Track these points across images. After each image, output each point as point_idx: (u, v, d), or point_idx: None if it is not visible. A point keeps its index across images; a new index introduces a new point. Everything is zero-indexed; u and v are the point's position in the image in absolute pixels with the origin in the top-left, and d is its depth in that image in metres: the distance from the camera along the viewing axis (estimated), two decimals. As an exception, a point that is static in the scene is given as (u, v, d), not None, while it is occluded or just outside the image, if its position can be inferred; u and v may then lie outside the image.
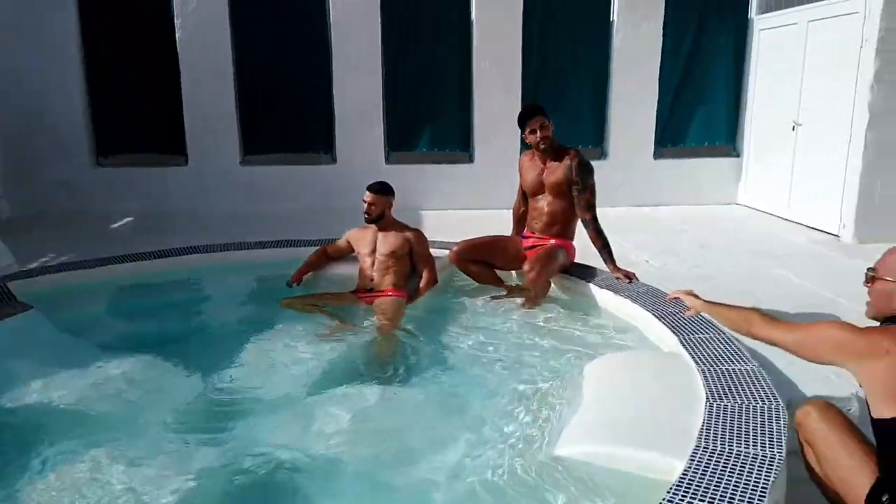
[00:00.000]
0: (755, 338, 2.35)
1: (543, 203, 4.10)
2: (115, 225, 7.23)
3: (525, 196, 4.25)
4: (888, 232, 5.54)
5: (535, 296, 3.90)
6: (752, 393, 2.43)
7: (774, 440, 2.12)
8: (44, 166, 7.59)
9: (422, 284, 4.03)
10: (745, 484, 1.89)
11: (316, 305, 4.02)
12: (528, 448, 2.48)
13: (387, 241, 4.03)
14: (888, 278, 2.07)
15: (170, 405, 3.11)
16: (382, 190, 4.01)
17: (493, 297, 4.11)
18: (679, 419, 2.34)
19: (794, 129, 6.98)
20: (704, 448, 2.09)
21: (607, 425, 2.41)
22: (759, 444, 2.09)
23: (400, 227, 4.10)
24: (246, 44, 7.58)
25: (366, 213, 4.02)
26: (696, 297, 2.76)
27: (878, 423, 1.89)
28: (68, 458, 2.64)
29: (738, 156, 8.07)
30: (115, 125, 7.73)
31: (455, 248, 4.15)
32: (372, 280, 4.02)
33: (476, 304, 4.08)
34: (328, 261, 4.37)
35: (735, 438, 2.13)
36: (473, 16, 7.58)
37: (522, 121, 3.98)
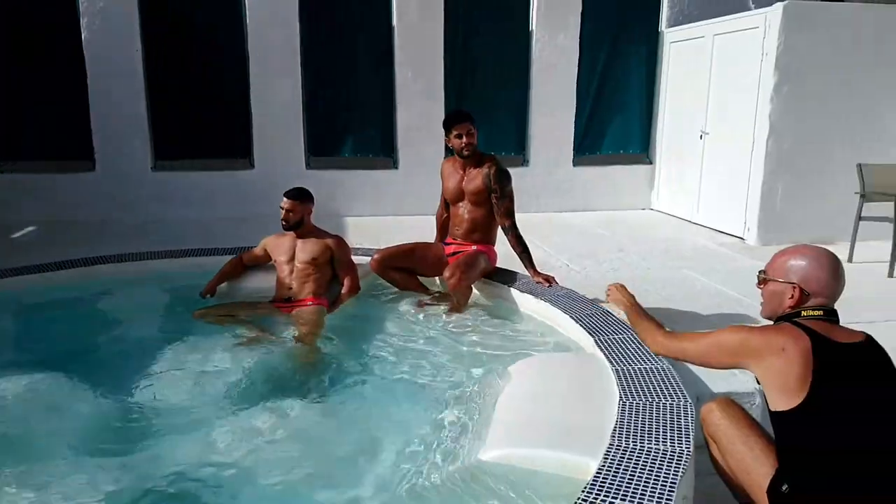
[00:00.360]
0: (662, 352, 2.51)
1: (464, 210, 4.14)
2: (17, 235, 6.81)
3: (447, 203, 4.27)
4: (789, 234, 5.88)
5: (457, 302, 3.93)
6: (662, 391, 2.52)
7: (683, 436, 2.20)
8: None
9: (343, 292, 3.98)
10: (655, 479, 1.96)
11: (231, 316, 3.90)
12: (450, 454, 2.48)
13: (306, 249, 3.95)
14: (778, 279, 2.19)
15: (75, 424, 2.93)
16: (300, 196, 3.94)
17: (418, 305, 4.11)
18: (594, 418, 2.40)
19: (701, 137, 7.32)
20: (618, 446, 2.15)
21: (526, 427, 2.44)
22: (668, 440, 2.17)
23: (320, 233, 4.03)
24: (157, 43, 7.30)
25: (283, 219, 3.93)
26: (629, 294, 2.88)
27: (774, 416, 2.00)
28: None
29: (650, 163, 8.40)
30: (18, 128, 7.28)
31: (376, 256, 4.12)
32: (290, 289, 3.93)
33: (399, 311, 4.05)
34: (243, 270, 4.26)
35: (646, 435, 2.20)
36: (394, 21, 7.58)
37: (449, 124, 4.01)
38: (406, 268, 4.17)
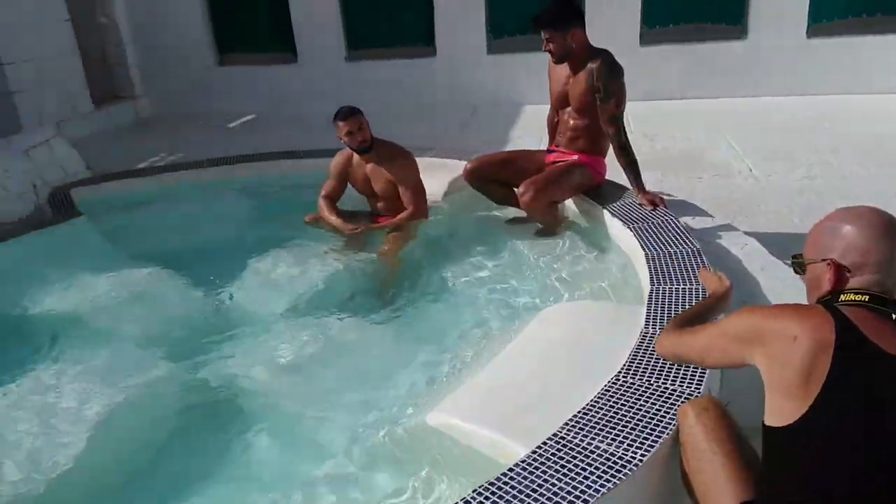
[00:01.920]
0: (661, 352, 2.00)
1: (568, 116, 3.59)
2: (233, 124, 7.68)
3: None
4: None
5: (543, 223, 3.51)
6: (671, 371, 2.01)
7: (652, 435, 1.75)
8: (174, 67, 8.16)
9: (402, 215, 3.65)
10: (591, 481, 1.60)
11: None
12: (415, 407, 2.32)
13: (378, 176, 3.66)
14: (812, 259, 1.56)
15: (159, 315, 3.31)
16: (358, 111, 3.57)
17: (511, 222, 3.77)
18: (569, 394, 2.01)
19: None
20: (556, 439, 1.78)
21: (492, 393, 2.15)
22: (632, 440, 1.74)
23: (384, 151, 3.65)
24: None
25: (359, 142, 3.54)
26: (723, 288, 2.17)
27: (765, 433, 1.47)
28: (61, 359, 2.96)
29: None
30: (232, 25, 8.01)
31: (469, 165, 3.80)
32: (377, 207, 3.83)
33: (488, 228, 3.76)
34: (340, 195, 3.95)
35: (604, 432, 1.79)
36: None
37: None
38: (503, 179, 3.80)
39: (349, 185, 3.89)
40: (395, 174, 3.62)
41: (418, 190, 3.67)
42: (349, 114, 3.52)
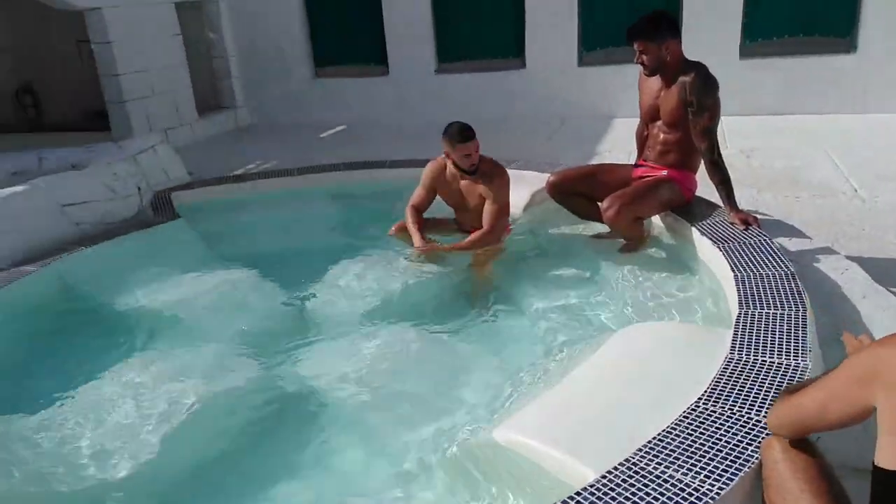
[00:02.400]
0: (774, 423, 1.62)
1: (658, 130, 3.48)
2: (324, 134, 7.92)
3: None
4: None
5: (628, 239, 3.41)
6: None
7: (732, 468, 1.65)
8: (272, 79, 8.51)
9: (474, 236, 3.56)
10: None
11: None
12: (483, 422, 2.29)
13: (473, 193, 3.59)
14: None
15: (249, 319, 3.43)
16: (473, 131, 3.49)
17: (595, 238, 3.68)
18: (644, 418, 1.93)
19: None
20: (628, 465, 1.71)
21: (562, 412, 2.10)
22: (710, 472, 1.65)
23: (488, 167, 3.56)
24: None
25: (471, 164, 3.47)
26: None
27: (877, 475, 1.33)
28: (150, 352, 3.15)
29: None
30: (327, 39, 8.29)
31: (551, 178, 3.74)
32: (465, 218, 3.80)
33: (571, 244, 3.70)
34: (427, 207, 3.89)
35: (679, 461, 1.70)
36: None
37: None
38: (587, 193, 3.71)
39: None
40: (489, 191, 3.53)
41: (503, 212, 3.58)
42: (473, 136, 3.44)
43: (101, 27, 6.91)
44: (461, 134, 3.42)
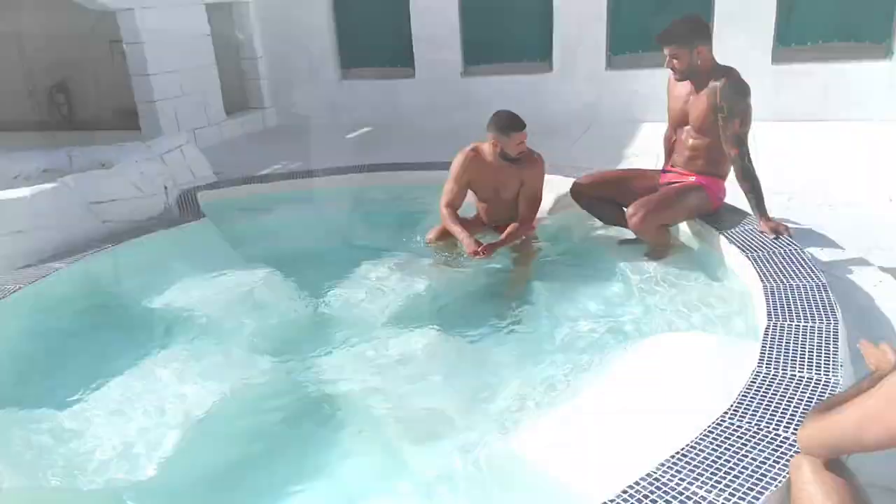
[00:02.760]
0: (804, 441, 1.52)
1: (687, 136, 3.42)
2: (350, 136, 7.93)
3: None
4: None
5: (654, 246, 3.35)
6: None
7: (758, 486, 1.60)
8: (300, 80, 8.55)
9: (512, 228, 3.56)
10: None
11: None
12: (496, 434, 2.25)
13: (509, 186, 3.57)
14: None
15: (271, 319, 3.44)
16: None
17: (621, 242, 3.62)
18: (667, 431, 1.88)
19: None
20: (650, 480, 1.66)
21: (585, 421, 2.06)
22: (735, 489, 1.60)
23: (528, 155, 3.57)
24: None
25: (522, 151, 3.51)
26: (890, 364, 1.57)
27: None
28: (173, 349, 3.15)
29: None
30: (355, 42, 8.31)
31: (577, 183, 3.69)
32: (488, 212, 3.75)
33: (595, 249, 3.65)
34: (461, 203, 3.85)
35: (703, 477, 1.65)
36: None
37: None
38: (613, 199, 3.66)
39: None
40: (528, 178, 3.56)
41: (539, 199, 3.63)
42: (524, 124, 3.50)
43: (133, 28, 7.00)
44: (516, 121, 3.49)
